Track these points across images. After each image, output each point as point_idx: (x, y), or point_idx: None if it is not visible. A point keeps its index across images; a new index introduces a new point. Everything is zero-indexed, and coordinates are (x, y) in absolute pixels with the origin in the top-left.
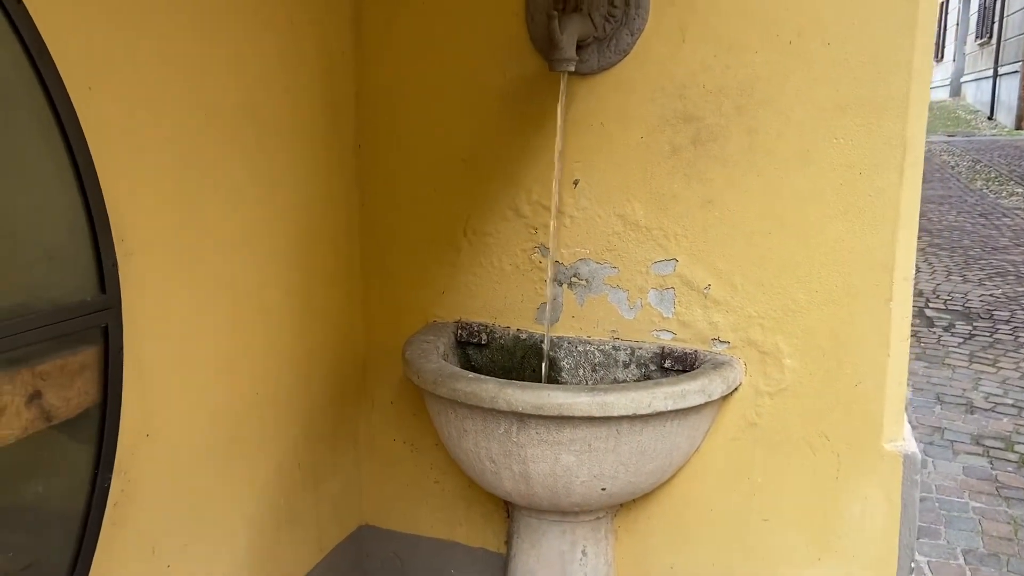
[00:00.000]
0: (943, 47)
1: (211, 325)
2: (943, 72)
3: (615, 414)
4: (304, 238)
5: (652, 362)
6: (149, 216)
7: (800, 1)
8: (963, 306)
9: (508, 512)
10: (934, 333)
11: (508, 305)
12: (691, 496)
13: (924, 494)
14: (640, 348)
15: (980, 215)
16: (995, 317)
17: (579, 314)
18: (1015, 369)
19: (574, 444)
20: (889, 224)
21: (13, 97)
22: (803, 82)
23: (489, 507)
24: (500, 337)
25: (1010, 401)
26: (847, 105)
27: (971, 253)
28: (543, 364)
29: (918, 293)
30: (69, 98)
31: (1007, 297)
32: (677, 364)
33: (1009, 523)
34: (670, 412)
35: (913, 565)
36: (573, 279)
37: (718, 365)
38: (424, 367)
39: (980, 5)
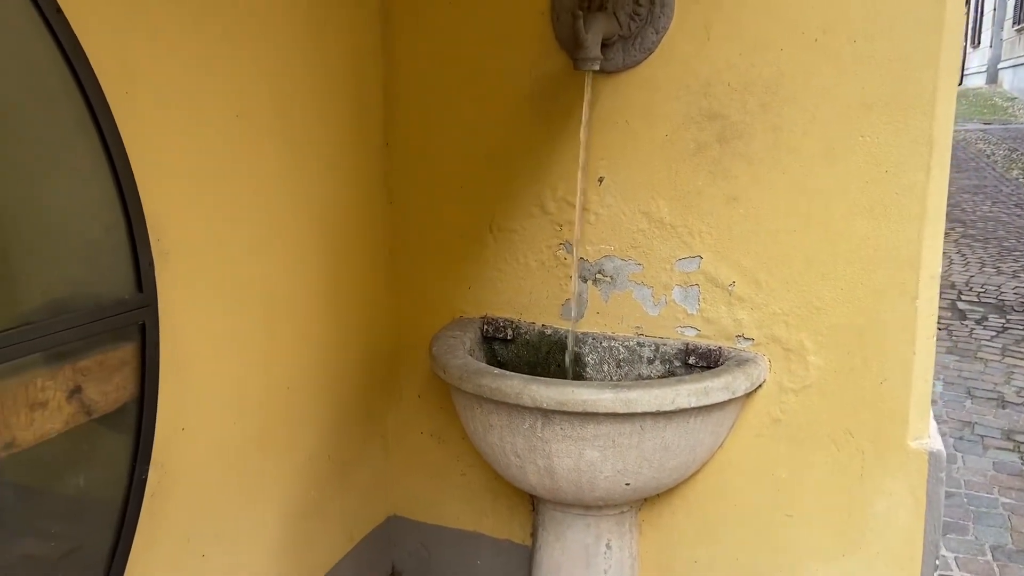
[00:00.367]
0: (980, 33)
1: (243, 321)
2: (979, 58)
3: (639, 411)
4: (333, 235)
5: (676, 358)
6: (183, 216)
7: None
8: (996, 299)
9: (533, 505)
10: (966, 326)
11: (533, 301)
12: (715, 491)
13: (953, 489)
14: (664, 344)
15: (1015, 205)
16: None
17: (604, 310)
18: None
19: (598, 440)
20: (915, 221)
21: (53, 102)
22: (829, 79)
23: (514, 500)
24: (525, 333)
25: None
26: (873, 102)
27: (1006, 244)
28: (568, 360)
29: (950, 285)
30: (107, 102)
31: None
32: (701, 360)
33: None
34: (694, 409)
35: (938, 562)
36: (598, 275)
37: (742, 362)
38: (450, 363)
39: None
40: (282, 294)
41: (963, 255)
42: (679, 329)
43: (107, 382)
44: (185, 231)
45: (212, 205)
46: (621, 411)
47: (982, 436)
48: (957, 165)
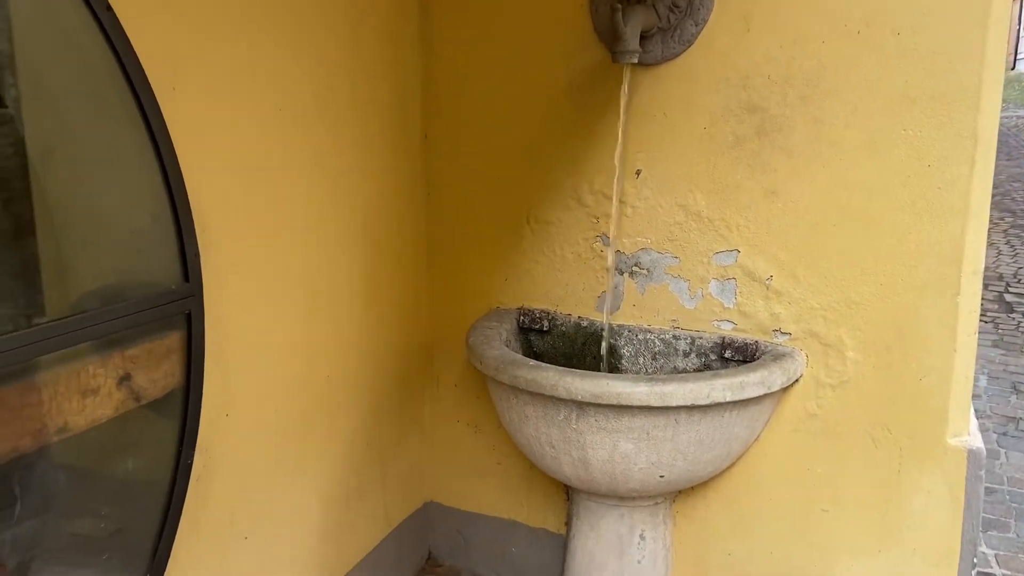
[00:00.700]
0: None
1: (285, 310)
2: None
3: (673, 404)
4: (373, 226)
5: (712, 352)
6: (227, 208)
7: None
8: None
9: (568, 495)
10: (1013, 319)
11: (569, 293)
12: (750, 484)
13: (995, 486)
14: (700, 338)
15: None
16: None
17: (640, 303)
18: None
19: (632, 432)
20: (958, 217)
21: (103, 97)
22: (871, 72)
23: (549, 489)
24: (561, 324)
25: None
26: (916, 96)
27: None
28: (603, 352)
29: (997, 277)
30: (154, 97)
31: None
32: (737, 354)
33: None
34: (729, 403)
35: (976, 559)
36: (634, 268)
37: (779, 356)
38: (487, 353)
39: None
40: (322, 284)
41: (1012, 246)
42: (715, 323)
43: (155, 369)
44: (229, 222)
45: (255, 197)
46: (656, 404)
47: None
48: (1008, 153)
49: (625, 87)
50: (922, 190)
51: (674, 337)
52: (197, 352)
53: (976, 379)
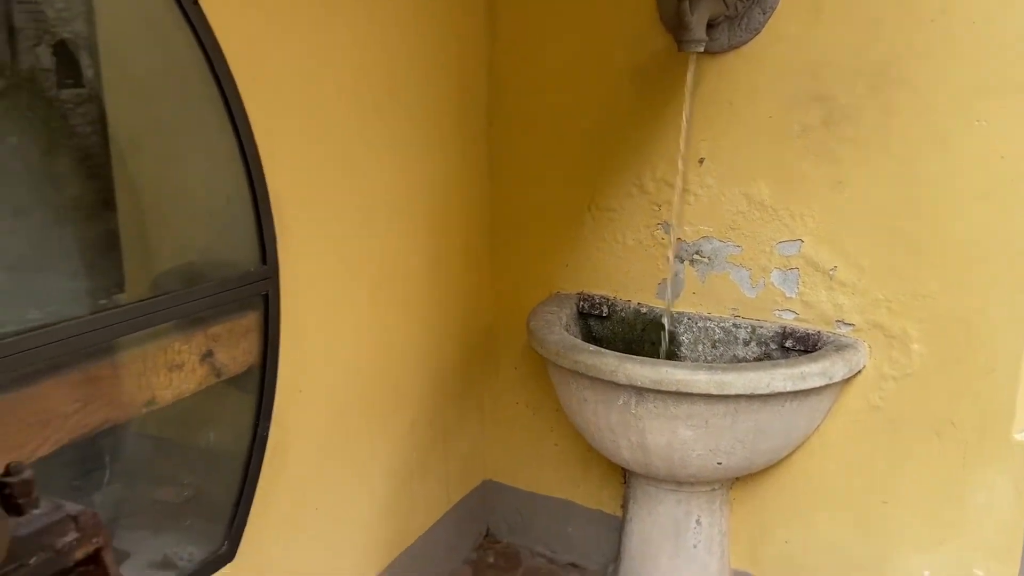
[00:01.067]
0: None
1: (355, 293)
2: None
3: (733, 393)
4: (439, 212)
5: (772, 341)
6: (301, 193)
7: None
8: None
9: (625, 478)
10: None
11: (630, 279)
12: (808, 474)
13: None
14: (761, 327)
15: None
16: None
17: (700, 291)
18: None
19: (691, 419)
20: None
21: (188, 85)
22: (944, 62)
23: (606, 471)
24: (621, 310)
25: None
26: (990, 87)
27: None
28: (663, 338)
29: None
30: (236, 85)
31: None
32: (799, 344)
33: None
34: (789, 393)
35: None
36: (695, 256)
37: (841, 347)
38: (548, 338)
39: None
40: (389, 268)
41: None
42: (777, 312)
43: (235, 347)
44: (302, 207)
45: (327, 183)
46: (715, 392)
47: None
48: None
49: (690, 75)
50: (994, 183)
51: (734, 325)
52: (273, 331)
53: None
